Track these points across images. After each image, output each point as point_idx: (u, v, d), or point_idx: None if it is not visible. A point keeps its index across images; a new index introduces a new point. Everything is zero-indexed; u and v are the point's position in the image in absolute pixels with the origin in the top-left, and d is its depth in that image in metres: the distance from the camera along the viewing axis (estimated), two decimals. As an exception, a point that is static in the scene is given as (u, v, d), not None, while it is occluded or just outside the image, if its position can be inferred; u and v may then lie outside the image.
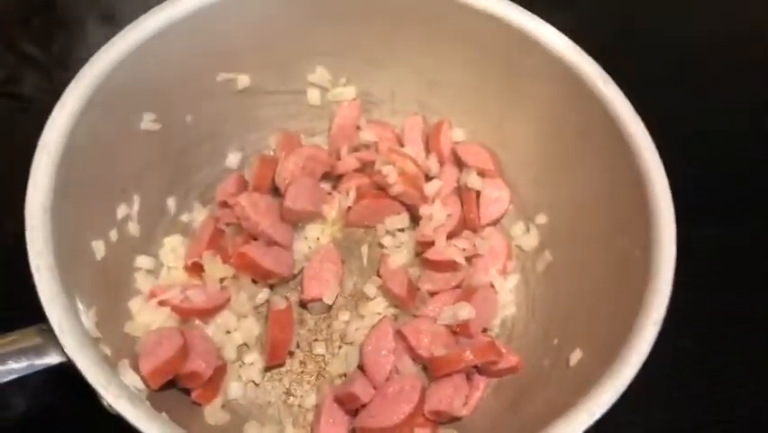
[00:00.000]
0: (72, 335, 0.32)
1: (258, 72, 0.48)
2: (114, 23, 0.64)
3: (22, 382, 0.33)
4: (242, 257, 0.46)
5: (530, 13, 0.44)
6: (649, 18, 0.69)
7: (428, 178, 0.51)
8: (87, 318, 0.36)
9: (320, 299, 0.48)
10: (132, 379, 0.37)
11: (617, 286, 0.40)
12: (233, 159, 0.51)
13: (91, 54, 0.60)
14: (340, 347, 0.48)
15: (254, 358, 0.46)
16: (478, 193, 0.51)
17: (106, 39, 0.60)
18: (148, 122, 0.44)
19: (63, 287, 0.34)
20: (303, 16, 0.46)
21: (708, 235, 0.50)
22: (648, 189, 0.38)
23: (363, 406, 0.43)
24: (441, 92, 0.50)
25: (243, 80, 0.48)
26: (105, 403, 0.32)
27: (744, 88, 0.64)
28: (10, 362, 0.32)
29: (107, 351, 0.37)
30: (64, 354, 0.32)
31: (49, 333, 0.33)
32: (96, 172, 0.41)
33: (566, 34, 0.43)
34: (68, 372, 0.33)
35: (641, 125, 0.41)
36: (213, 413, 0.43)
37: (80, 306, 0.36)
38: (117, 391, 0.31)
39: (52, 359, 0.33)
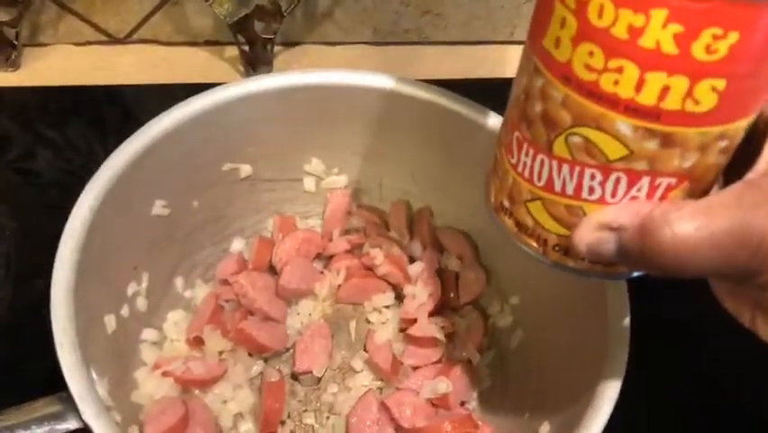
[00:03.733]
0: (90, 404, 0.36)
1: (259, 162, 0.53)
2: (121, 107, 0.69)
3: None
4: (240, 332, 0.50)
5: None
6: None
7: (412, 260, 0.56)
8: (102, 388, 0.40)
9: (310, 372, 0.51)
10: (141, 445, 0.40)
11: (579, 365, 0.44)
12: (234, 240, 0.56)
13: (102, 137, 0.66)
14: (328, 418, 0.51)
15: (248, 427, 0.49)
16: (457, 275, 0.55)
17: (116, 125, 0.66)
18: (159, 207, 0.49)
19: (82, 360, 0.37)
20: (300, 116, 0.51)
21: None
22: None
23: (349, 473, 0.46)
24: (423, 182, 0.55)
25: (246, 169, 0.53)
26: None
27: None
28: (33, 426, 0.36)
29: (118, 418, 0.40)
30: (82, 420, 0.36)
31: (68, 401, 0.36)
32: (111, 254, 0.45)
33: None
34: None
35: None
36: (209, 479, 0.47)
37: (95, 376, 0.39)
38: (129, 456, 0.35)
39: (71, 425, 0.36)
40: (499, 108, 0.49)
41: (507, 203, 0.33)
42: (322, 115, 0.52)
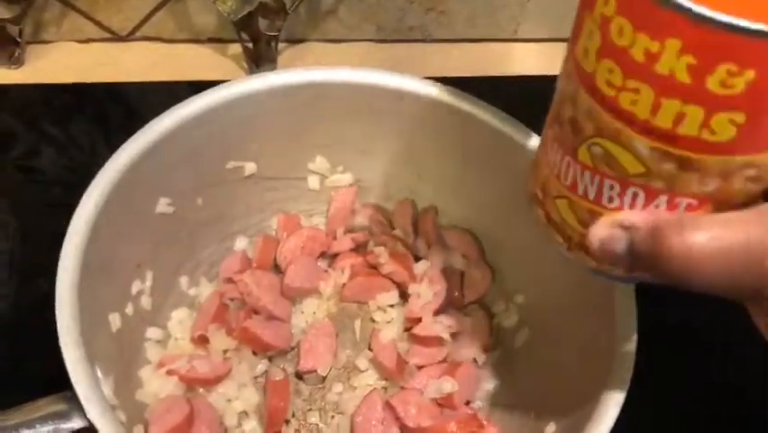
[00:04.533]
0: (95, 403, 0.36)
1: (263, 160, 0.53)
2: (125, 104, 0.69)
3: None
4: (245, 331, 0.50)
5: (511, 117, 0.48)
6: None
7: (417, 258, 0.56)
8: (106, 387, 0.39)
9: (315, 371, 0.51)
10: (146, 444, 0.40)
11: (586, 366, 0.43)
12: (238, 238, 0.56)
13: (106, 135, 0.66)
14: (332, 417, 0.51)
15: (253, 426, 0.49)
16: (462, 273, 0.55)
17: (119, 122, 0.66)
18: (163, 205, 0.48)
19: (87, 358, 0.37)
20: (304, 114, 0.51)
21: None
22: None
23: (354, 473, 0.46)
24: (428, 180, 0.55)
25: (250, 167, 0.53)
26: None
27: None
28: (37, 425, 0.36)
29: (123, 417, 0.40)
30: (87, 419, 0.36)
31: (73, 400, 0.36)
32: (115, 252, 0.45)
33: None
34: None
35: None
36: (214, 478, 0.46)
37: (100, 375, 0.39)
38: (134, 455, 0.35)
39: (75, 424, 0.36)
40: (503, 105, 0.49)
41: (540, 194, 0.33)
42: (326, 113, 0.51)
